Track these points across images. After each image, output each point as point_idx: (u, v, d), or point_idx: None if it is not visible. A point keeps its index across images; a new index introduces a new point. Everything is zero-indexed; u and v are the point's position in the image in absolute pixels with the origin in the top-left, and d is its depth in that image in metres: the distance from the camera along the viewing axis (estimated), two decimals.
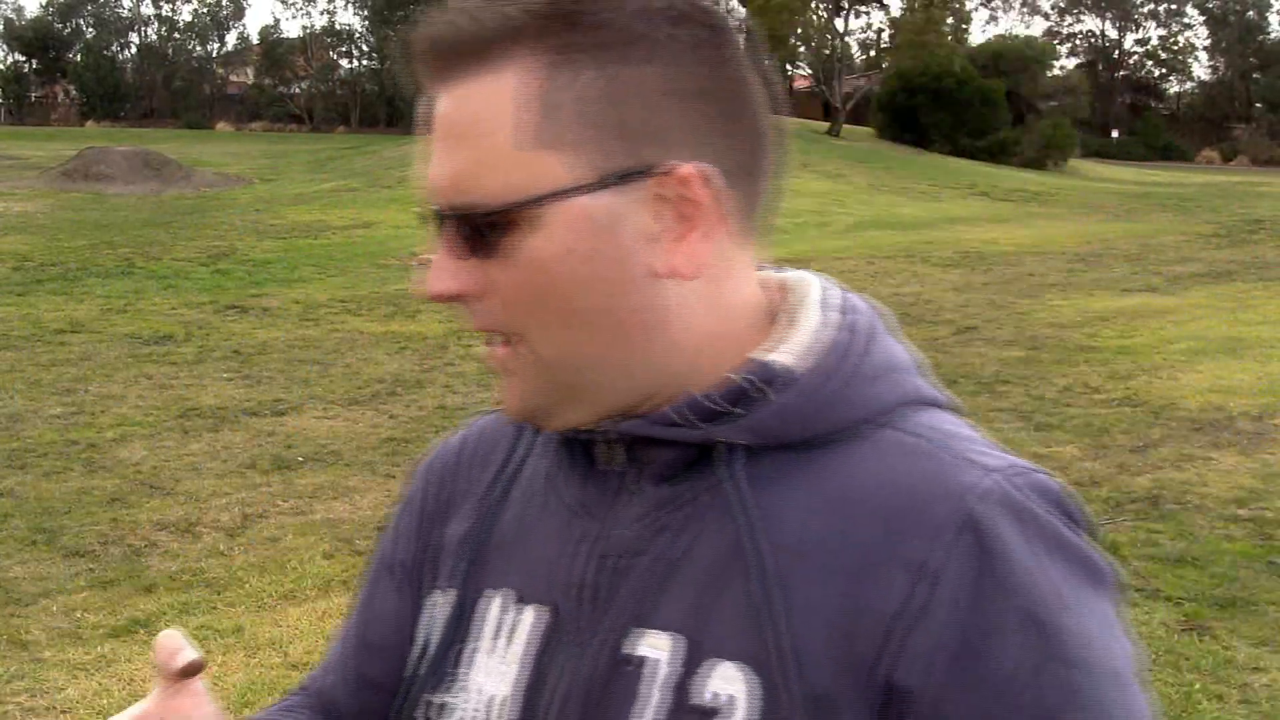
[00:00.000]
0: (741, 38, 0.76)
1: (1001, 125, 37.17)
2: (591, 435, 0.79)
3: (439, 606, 0.86)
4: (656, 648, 0.74)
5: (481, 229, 0.72)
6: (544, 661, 0.79)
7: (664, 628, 0.74)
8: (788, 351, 0.76)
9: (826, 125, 36.81)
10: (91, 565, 4.73)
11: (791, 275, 0.86)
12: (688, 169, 0.72)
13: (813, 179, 24.63)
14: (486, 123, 0.71)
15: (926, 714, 0.68)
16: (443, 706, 0.82)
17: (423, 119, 0.75)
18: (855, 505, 0.72)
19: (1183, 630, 4.14)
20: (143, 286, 11.74)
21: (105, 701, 3.64)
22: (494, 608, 0.82)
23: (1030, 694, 0.68)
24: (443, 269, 0.74)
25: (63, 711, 3.60)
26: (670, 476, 0.77)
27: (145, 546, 4.93)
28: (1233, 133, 57.29)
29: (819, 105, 46.52)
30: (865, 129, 39.13)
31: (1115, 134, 56.83)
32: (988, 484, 0.71)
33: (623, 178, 0.71)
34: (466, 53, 0.71)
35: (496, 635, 0.82)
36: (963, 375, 8.29)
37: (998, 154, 35.71)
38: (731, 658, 0.72)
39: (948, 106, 36.40)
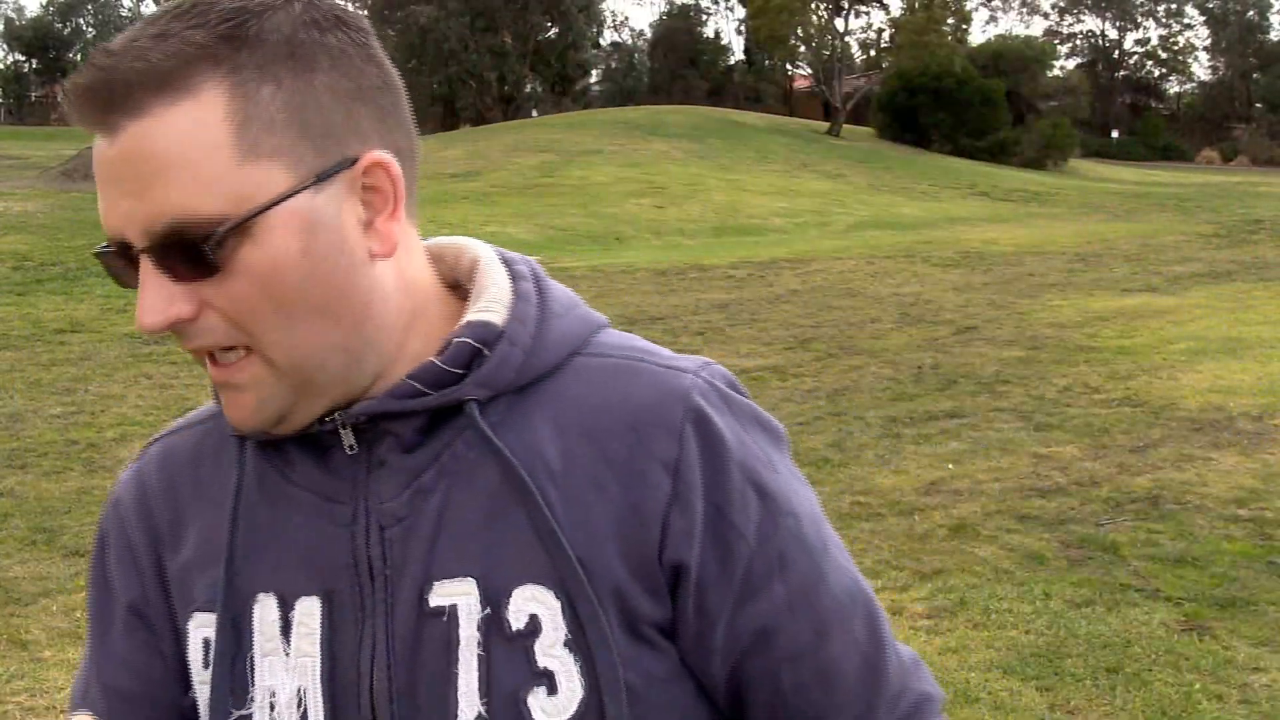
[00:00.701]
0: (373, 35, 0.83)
1: (1002, 125, 37.16)
2: (323, 426, 0.83)
3: (205, 628, 0.86)
4: (455, 594, 0.81)
5: (199, 251, 0.74)
6: (335, 646, 0.83)
7: (456, 575, 0.81)
8: (493, 310, 0.84)
9: (826, 125, 36.80)
10: None
11: (450, 241, 0.93)
12: (378, 156, 0.79)
13: (813, 179, 24.63)
14: (184, 150, 0.74)
15: (699, 578, 0.82)
16: (239, 715, 0.84)
17: (98, 160, 0.77)
18: (599, 423, 0.83)
19: (1183, 630, 4.14)
20: None
21: None
22: (264, 612, 0.84)
23: (770, 542, 0.84)
24: (155, 299, 0.76)
25: (62, 712, 3.60)
26: (413, 445, 0.83)
27: None
28: (1233, 133, 57.27)
29: (819, 105, 46.52)
30: (865, 129, 39.12)
31: (1115, 134, 56.81)
32: (696, 382, 0.85)
33: (327, 175, 0.77)
34: (147, 90, 0.74)
35: (274, 637, 0.84)
36: (963, 375, 8.29)
37: (998, 154, 35.70)
38: (529, 581, 0.80)
39: (948, 106, 36.38)
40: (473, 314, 0.84)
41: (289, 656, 0.83)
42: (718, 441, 0.83)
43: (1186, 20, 63.83)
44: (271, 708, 0.83)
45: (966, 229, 18.82)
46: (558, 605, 0.80)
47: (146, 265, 0.76)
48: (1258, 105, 58.87)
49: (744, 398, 0.88)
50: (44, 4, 60.92)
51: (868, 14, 58.02)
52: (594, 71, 58.38)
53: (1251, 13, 60.43)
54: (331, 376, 0.81)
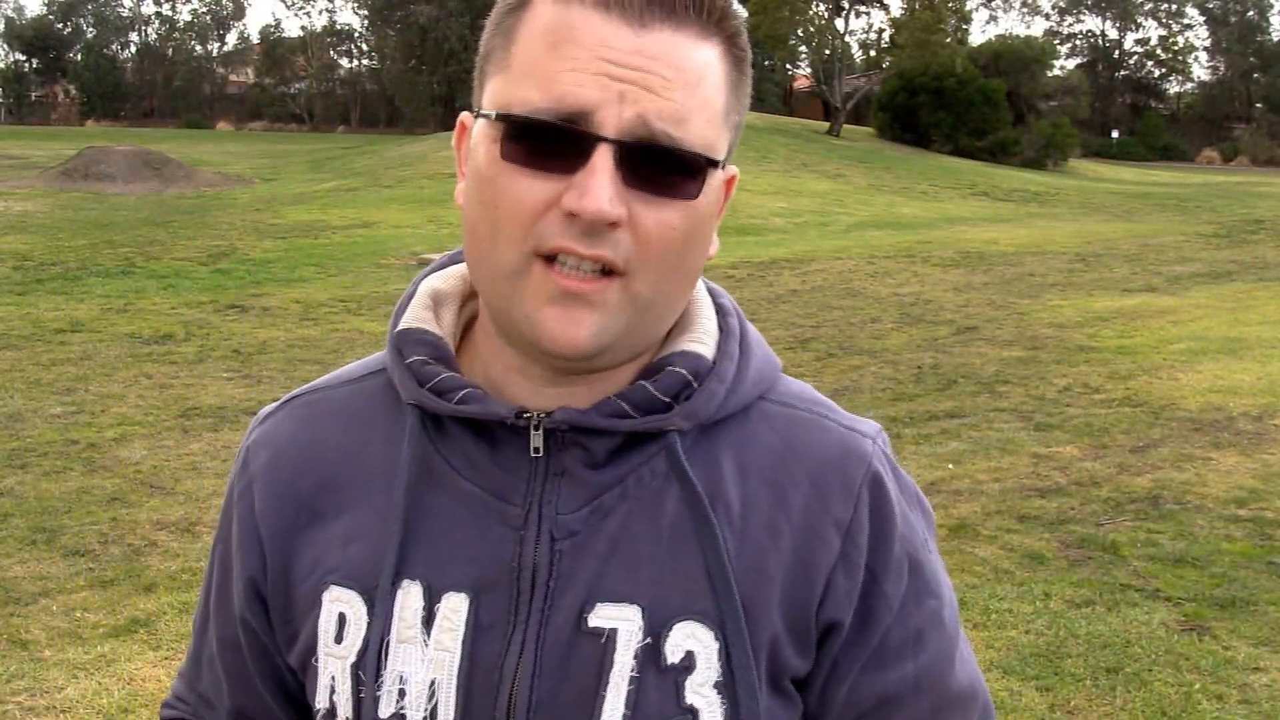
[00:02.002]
0: None
1: (1002, 125, 37.17)
2: (518, 421, 0.82)
3: (342, 604, 0.85)
4: (617, 619, 0.81)
5: (681, 174, 0.77)
6: (477, 646, 0.82)
7: (622, 600, 0.81)
8: (705, 342, 0.86)
9: (826, 125, 36.81)
10: (91, 565, 4.73)
11: None
12: (734, 171, 0.86)
13: (813, 179, 24.63)
14: (711, 85, 0.78)
15: (848, 637, 0.85)
16: (375, 699, 0.83)
17: (602, 38, 0.75)
18: (781, 472, 0.85)
19: (1183, 630, 4.14)
20: (143, 286, 11.74)
21: (105, 701, 3.64)
22: (407, 599, 0.83)
23: (911, 618, 0.86)
24: (612, 191, 0.75)
25: (63, 711, 3.60)
26: (601, 463, 0.83)
27: (145, 546, 4.93)
28: (1233, 133, 57.26)
29: (819, 105, 46.51)
30: (865, 129, 39.13)
31: (1115, 134, 56.80)
32: (876, 449, 0.88)
33: (726, 165, 0.83)
34: (700, 11, 0.77)
35: (414, 625, 0.83)
36: (963, 375, 8.29)
37: (998, 154, 35.71)
38: (690, 617, 0.81)
39: (948, 106, 36.39)
40: (686, 344, 0.85)
41: (427, 647, 0.83)
42: (888, 510, 0.86)
43: (1186, 20, 63.81)
44: (401, 695, 0.83)
45: (966, 229, 18.82)
46: (715, 646, 0.81)
47: (608, 156, 0.75)
48: (1258, 105, 58.86)
49: (904, 473, 0.92)
50: (44, 4, 60.93)
51: (868, 14, 57.99)
52: None
53: (1251, 13, 60.41)
54: (653, 335, 0.83)
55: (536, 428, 0.82)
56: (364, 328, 9.84)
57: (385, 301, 11.09)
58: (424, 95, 51.34)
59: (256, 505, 0.90)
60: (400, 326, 0.89)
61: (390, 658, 0.83)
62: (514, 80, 0.77)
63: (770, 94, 57.39)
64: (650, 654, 0.81)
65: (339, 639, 0.85)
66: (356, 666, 0.84)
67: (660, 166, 0.76)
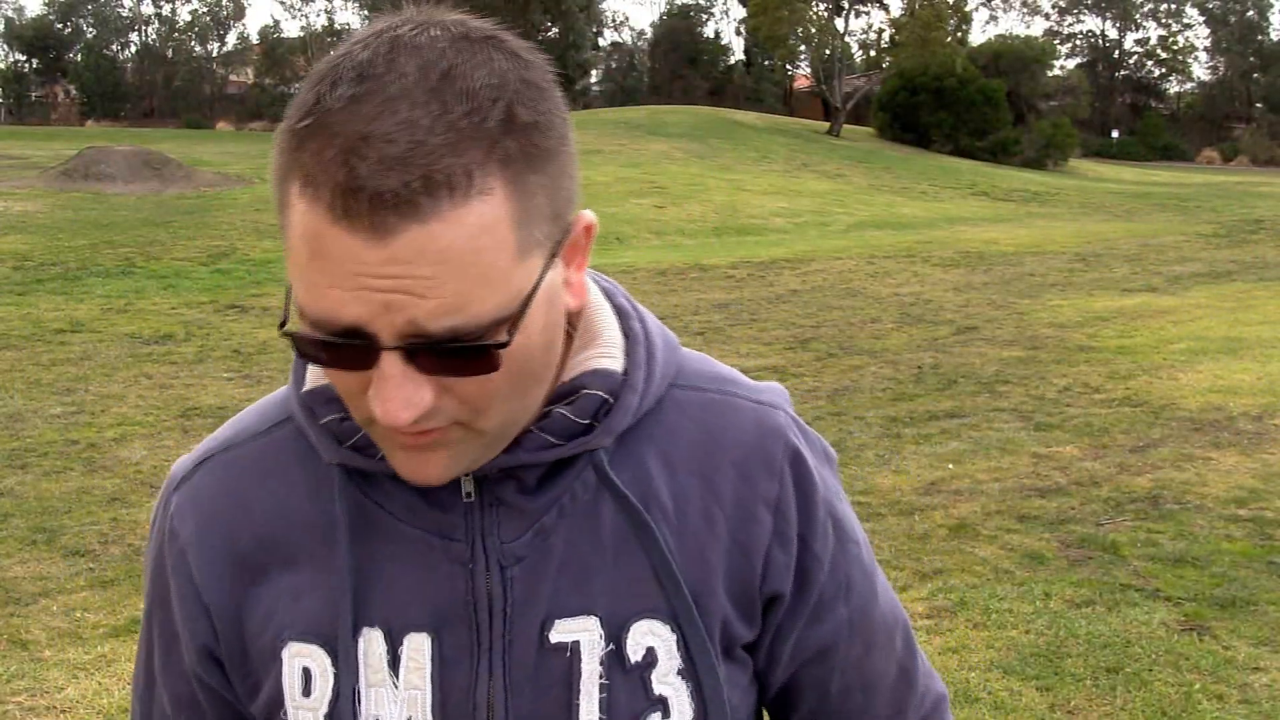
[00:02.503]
0: None
1: (1002, 125, 37.17)
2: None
3: (304, 658, 0.86)
4: (577, 630, 0.84)
5: (485, 352, 0.72)
6: (445, 680, 0.84)
7: (579, 612, 0.84)
8: (612, 355, 0.86)
9: (826, 125, 36.81)
10: (91, 565, 4.73)
11: None
12: (589, 218, 0.80)
13: (813, 179, 24.63)
14: (474, 252, 0.69)
15: (789, 603, 0.89)
16: None
17: (339, 253, 0.70)
18: (706, 462, 0.87)
19: (1183, 630, 4.14)
20: (143, 286, 11.74)
21: (105, 701, 3.64)
22: (370, 645, 0.85)
23: (840, 569, 0.92)
24: (410, 393, 0.72)
25: (63, 711, 3.60)
26: (534, 488, 0.85)
27: (145, 546, 4.93)
28: (1233, 133, 57.26)
29: (819, 105, 46.50)
30: (865, 129, 39.12)
31: (1115, 134, 56.80)
32: (787, 421, 0.91)
33: (560, 246, 0.76)
34: (437, 193, 0.68)
35: (380, 669, 0.85)
36: (963, 375, 8.29)
37: (998, 154, 35.71)
38: (646, 616, 0.85)
39: (948, 106, 36.39)
40: (594, 361, 0.85)
41: (397, 689, 0.85)
42: (809, 480, 0.90)
43: (1186, 20, 63.83)
44: None
45: (966, 229, 18.82)
46: (672, 638, 0.85)
47: (395, 361, 0.71)
48: (1258, 105, 58.86)
49: (809, 428, 0.95)
50: (44, 4, 60.94)
51: (867, 14, 58.00)
52: (594, 71, 58.37)
53: (1251, 13, 60.41)
54: (514, 433, 0.81)
55: (465, 474, 0.82)
56: None
57: None
58: None
59: (195, 574, 0.90)
60: (306, 387, 0.89)
61: (363, 704, 0.84)
62: (293, 272, 0.74)
63: (770, 94, 57.37)
64: (614, 657, 0.84)
65: (306, 692, 0.86)
66: (330, 716, 0.85)
67: (450, 357, 0.72)
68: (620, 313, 0.89)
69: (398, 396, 0.72)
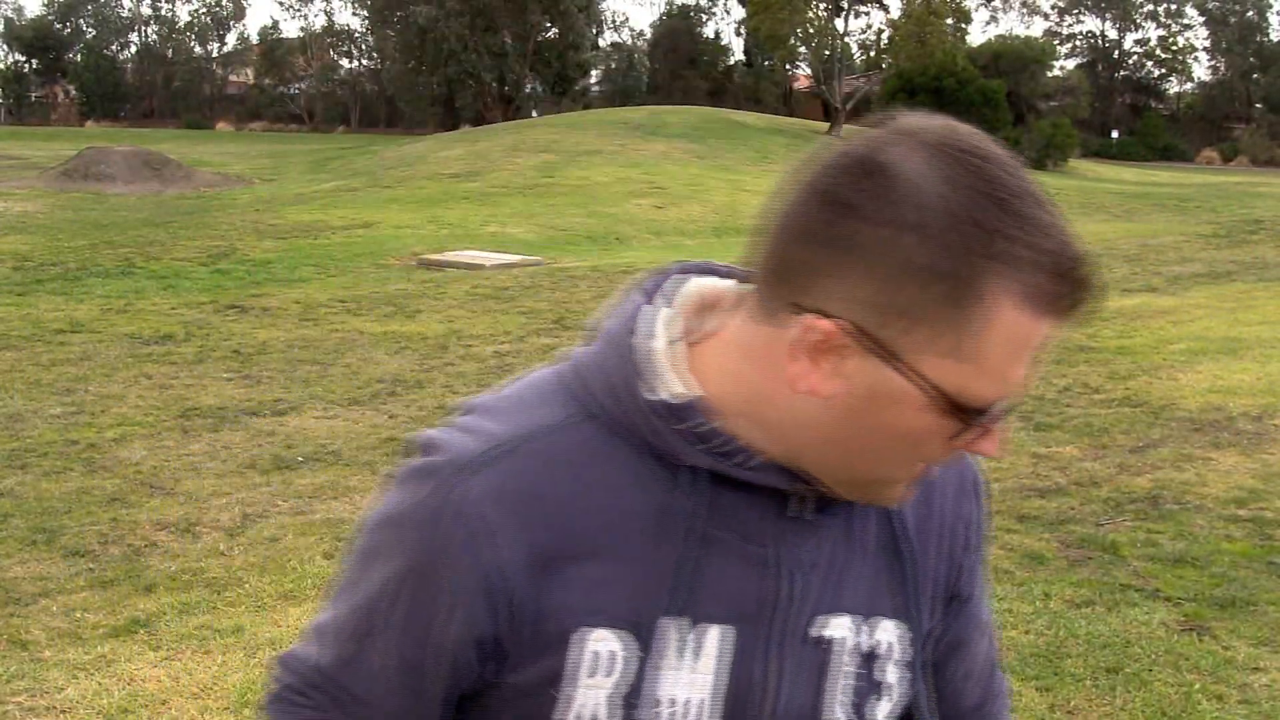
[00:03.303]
0: None
1: (1002, 125, 37.15)
2: (795, 490, 0.97)
3: (603, 642, 0.94)
4: (835, 627, 1.00)
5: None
6: (739, 668, 0.97)
7: (838, 611, 1.00)
8: None
9: (826, 125, 36.80)
10: (91, 565, 4.73)
11: None
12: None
13: None
14: None
15: (960, 603, 1.12)
16: (643, 717, 0.96)
17: (1039, 338, 0.88)
18: (925, 487, 1.03)
19: (1183, 630, 4.14)
20: (143, 286, 11.74)
21: (105, 701, 3.64)
22: (672, 632, 0.95)
23: (983, 573, 1.17)
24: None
25: (63, 711, 3.60)
26: (825, 508, 0.99)
27: (145, 546, 4.93)
28: (1233, 133, 57.25)
29: (819, 105, 46.49)
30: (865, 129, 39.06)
31: (1115, 134, 56.80)
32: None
33: None
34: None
35: (681, 654, 0.96)
36: None
37: None
38: (888, 616, 1.03)
39: (948, 106, 36.29)
40: None
41: (694, 674, 0.96)
42: (984, 499, 1.13)
43: (1186, 20, 63.79)
44: (673, 716, 0.96)
45: None
46: (905, 635, 1.04)
47: (1006, 421, 0.92)
48: (1258, 105, 58.85)
49: None
50: (44, 4, 60.93)
51: (867, 14, 58.00)
52: (594, 71, 58.36)
53: (1251, 13, 60.40)
54: None
55: (802, 498, 0.97)
56: (364, 328, 9.84)
57: (385, 302, 11.10)
58: (423, 95, 51.35)
59: (495, 560, 0.93)
60: (673, 400, 0.93)
61: (660, 685, 0.95)
62: (979, 379, 0.86)
63: (770, 94, 57.37)
64: (858, 650, 1.01)
65: (594, 673, 0.95)
66: (628, 696, 0.95)
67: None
68: None
69: (1001, 439, 0.93)
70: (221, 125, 53.65)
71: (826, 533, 0.99)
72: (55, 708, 3.62)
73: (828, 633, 1.00)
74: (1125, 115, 60.34)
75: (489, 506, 0.93)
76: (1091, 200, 25.32)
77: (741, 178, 23.11)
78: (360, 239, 15.45)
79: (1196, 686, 3.72)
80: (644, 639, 0.94)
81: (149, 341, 9.13)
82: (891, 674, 1.03)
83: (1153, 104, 62.64)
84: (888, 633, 1.02)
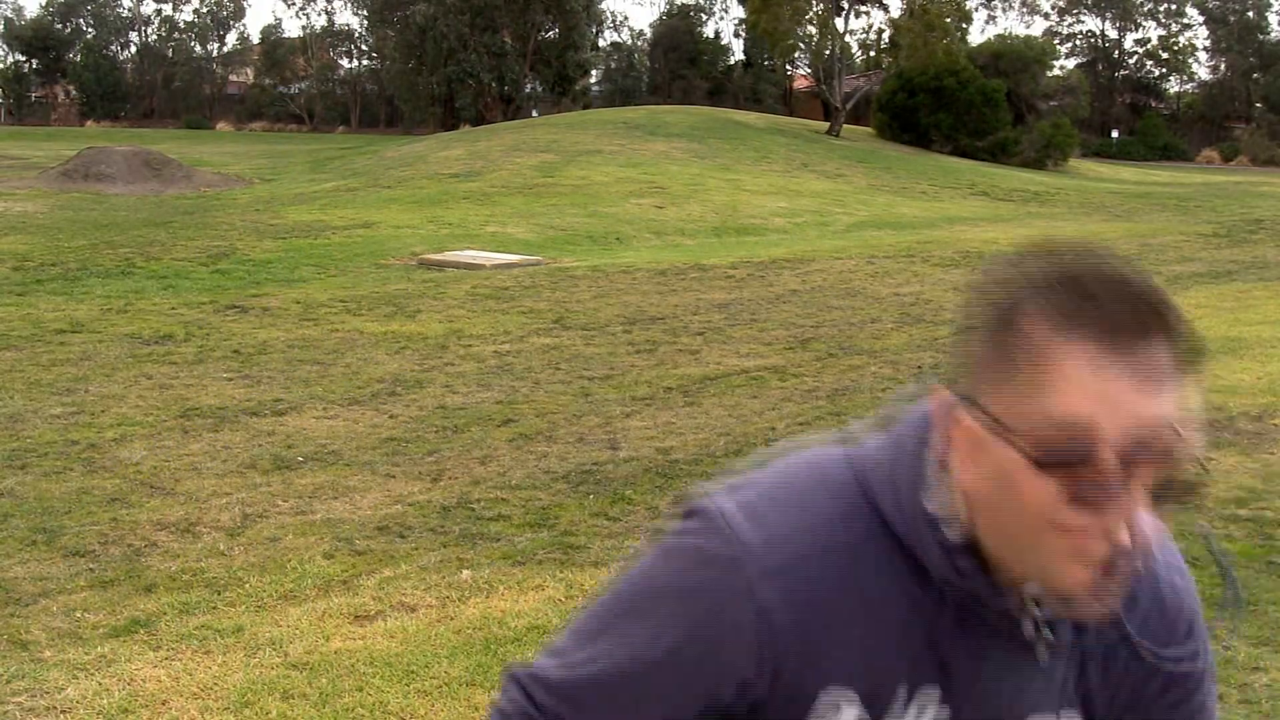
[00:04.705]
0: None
1: (1002, 125, 37.15)
2: (1035, 624, 1.04)
3: (847, 698, 1.04)
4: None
5: (1194, 487, 0.99)
6: None
7: (1046, 711, 1.08)
8: None
9: (826, 125, 36.79)
10: (91, 565, 4.73)
11: None
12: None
13: (813, 179, 24.63)
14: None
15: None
16: None
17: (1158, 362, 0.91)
18: (1147, 625, 1.12)
19: None
20: (143, 286, 11.74)
21: (105, 701, 3.64)
22: (901, 698, 1.05)
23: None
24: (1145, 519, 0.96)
25: (63, 711, 3.60)
26: (1073, 637, 1.08)
27: (145, 546, 4.93)
28: (1233, 133, 57.23)
29: (819, 105, 46.48)
30: (865, 129, 39.11)
31: (1115, 134, 56.78)
32: (1190, 585, 1.22)
33: None
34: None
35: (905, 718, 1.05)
36: None
37: (998, 154, 35.70)
38: (1071, 708, 1.10)
39: (948, 106, 36.38)
40: None
41: None
42: (1198, 642, 1.16)
43: (1186, 20, 63.75)
44: None
45: (966, 229, 18.82)
46: None
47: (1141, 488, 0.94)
48: (1258, 105, 58.82)
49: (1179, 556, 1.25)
50: (44, 4, 60.91)
51: (867, 14, 57.98)
52: (594, 71, 58.33)
53: (1251, 13, 60.40)
54: None
55: (1049, 647, 1.06)
56: (364, 328, 9.85)
57: (385, 302, 11.10)
58: (424, 95, 51.31)
59: (780, 644, 1.03)
60: (950, 535, 1.02)
61: None
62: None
63: (770, 94, 57.35)
64: None
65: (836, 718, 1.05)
66: None
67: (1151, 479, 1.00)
68: None
69: (1143, 518, 0.96)
70: (221, 125, 53.66)
71: (1058, 654, 1.08)
72: (55, 708, 3.62)
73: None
74: (1125, 115, 60.32)
75: (778, 609, 1.02)
76: (1091, 200, 25.31)
77: (741, 178, 23.11)
78: (360, 239, 15.45)
79: None
80: (878, 705, 1.05)
81: (149, 341, 9.13)
82: None
83: (1153, 104, 62.61)
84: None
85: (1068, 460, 0.90)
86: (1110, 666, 1.11)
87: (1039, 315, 0.92)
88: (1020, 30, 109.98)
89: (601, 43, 59.51)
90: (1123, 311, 0.90)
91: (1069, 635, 1.08)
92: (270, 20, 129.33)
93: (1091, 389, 0.89)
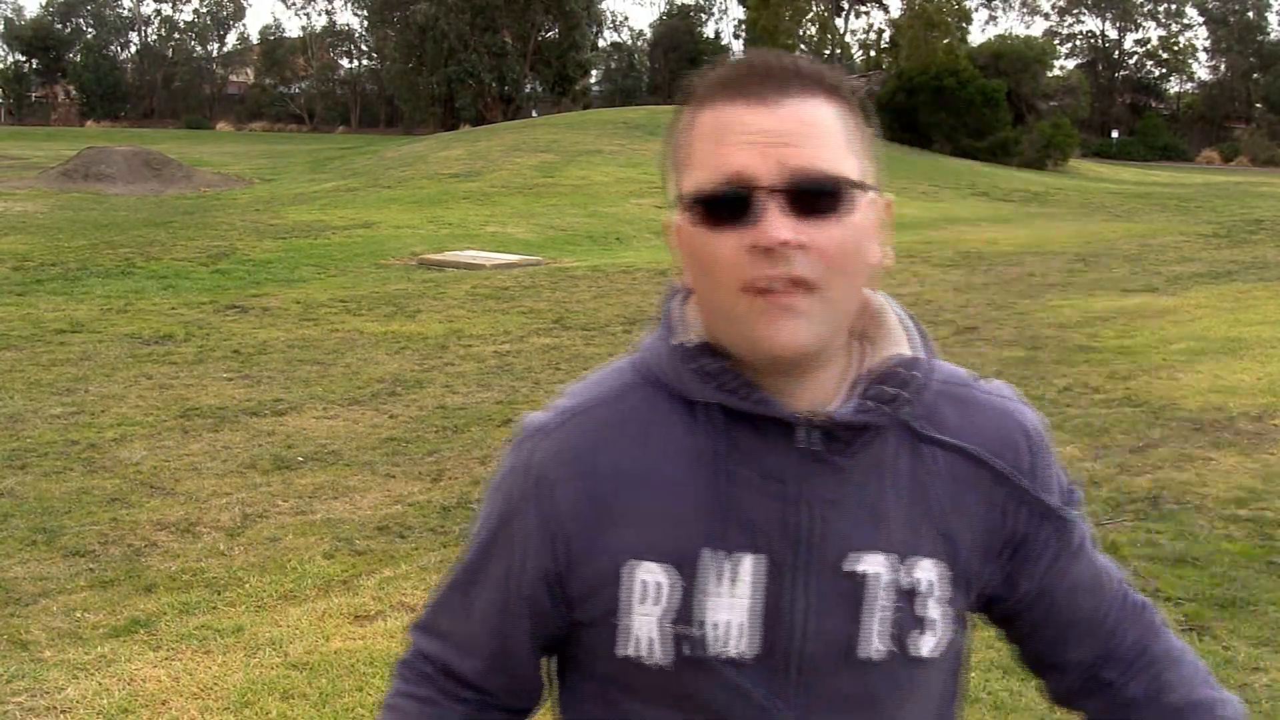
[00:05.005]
0: None
1: (1002, 125, 37.15)
2: (797, 420, 1.07)
3: (651, 574, 1.09)
4: (870, 564, 1.09)
5: (829, 196, 1.01)
6: (771, 592, 1.08)
7: (874, 549, 1.09)
8: (908, 345, 1.12)
9: None
10: (91, 565, 4.73)
11: None
12: (889, 196, 1.12)
13: None
14: (829, 129, 1.03)
15: (1027, 546, 1.18)
16: (693, 643, 1.08)
17: (743, 123, 1.02)
18: (969, 443, 1.13)
19: (1183, 630, 4.13)
20: (143, 286, 11.74)
21: (105, 701, 3.64)
22: (710, 562, 1.08)
23: (1064, 514, 1.19)
24: (783, 224, 0.99)
25: (63, 711, 3.60)
26: (849, 450, 1.09)
27: (145, 546, 4.93)
28: (1233, 133, 57.23)
29: None
30: None
31: (1115, 134, 56.77)
32: (1014, 405, 1.18)
33: (874, 190, 1.08)
34: (806, 83, 1.04)
35: (719, 582, 1.08)
36: None
37: (998, 154, 35.69)
38: (927, 555, 1.11)
39: (948, 106, 36.39)
40: (900, 349, 1.11)
41: (732, 598, 1.08)
42: (1036, 448, 1.17)
43: (1186, 20, 63.79)
44: (714, 638, 1.08)
45: (966, 229, 18.82)
46: (940, 573, 1.11)
47: (774, 202, 1.00)
48: (1258, 105, 58.84)
49: (1030, 406, 1.23)
50: (44, 4, 60.90)
51: (867, 14, 57.94)
52: (594, 72, 58.33)
53: (1251, 13, 60.39)
54: (841, 334, 1.08)
55: (814, 428, 1.07)
56: (364, 328, 9.85)
57: (385, 302, 11.10)
58: (424, 95, 51.30)
59: (560, 508, 1.12)
60: (691, 338, 1.11)
61: (701, 610, 1.07)
62: (694, 172, 1.04)
63: None
64: (896, 585, 1.09)
65: (645, 600, 1.09)
66: (674, 621, 1.08)
67: (811, 195, 1.01)
68: (899, 316, 1.15)
69: (777, 222, 0.99)
70: (221, 125, 53.65)
71: (853, 475, 1.09)
72: (55, 708, 3.62)
73: (860, 568, 1.08)
74: (1125, 115, 60.32)
75: (551, 464, 1.12)
76: (1091, 200, 25.31)
77: None
78: (360, 239, 15.45)
79: None
80: (687, 570, 1.08)
81: (149, 341, 9.13)
82: (934, 610, 1.11)
83: (1153, 104, 62.63)
84: (927, 571, 1.10)
85: (715, 198, 1.01)
86: (963, 499, 1.12)
87: (688, 103, 1.07)
88: (1020, 30, 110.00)
89: (601, 43, 59.52)
90: (742, 72, 1.03)
91: (860, 443, 1.09)
92: (270, 21, 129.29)
93: (720, 134, 1.02)
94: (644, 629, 1.09)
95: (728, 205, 1.01)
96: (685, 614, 1.08)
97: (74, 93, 58.76)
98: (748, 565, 1.08)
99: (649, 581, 1.09)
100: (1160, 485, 5.78)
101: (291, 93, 58.90)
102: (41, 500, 5.46)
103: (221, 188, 22.31)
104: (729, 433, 1.08)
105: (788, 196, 1.00)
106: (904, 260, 14.77)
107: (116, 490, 5.63)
